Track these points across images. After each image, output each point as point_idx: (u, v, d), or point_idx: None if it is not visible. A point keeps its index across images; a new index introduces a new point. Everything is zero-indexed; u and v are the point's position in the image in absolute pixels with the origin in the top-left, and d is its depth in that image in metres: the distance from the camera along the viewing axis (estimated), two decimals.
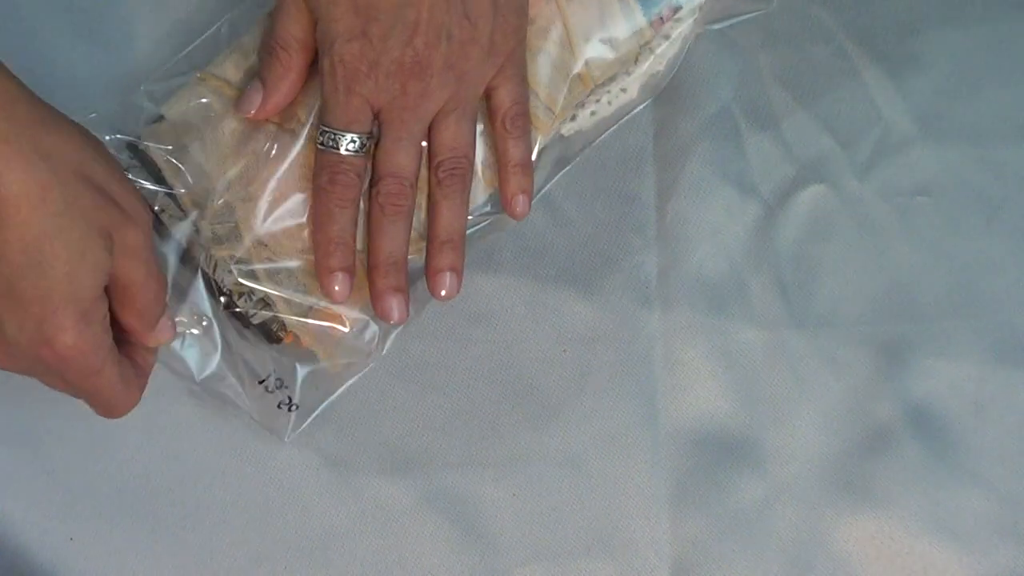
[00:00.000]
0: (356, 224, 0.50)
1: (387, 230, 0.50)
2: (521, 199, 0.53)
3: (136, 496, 0.53)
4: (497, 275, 0.56)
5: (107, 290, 0.45)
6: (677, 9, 0.55)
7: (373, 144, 0.50)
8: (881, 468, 0.55)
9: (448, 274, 0.51)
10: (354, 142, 0.49)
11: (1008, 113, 0.60)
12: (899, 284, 0.57)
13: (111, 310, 0.46)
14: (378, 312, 0.51)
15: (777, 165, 0.58)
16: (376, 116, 0.50)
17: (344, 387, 0.53)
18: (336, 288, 0.50)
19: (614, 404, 0.55)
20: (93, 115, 0.51)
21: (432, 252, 0.51)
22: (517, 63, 0.52)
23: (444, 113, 0.50)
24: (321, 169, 0.50)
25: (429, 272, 0.52)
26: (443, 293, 0.51)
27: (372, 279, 0.51)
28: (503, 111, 0.52)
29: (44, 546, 0.52)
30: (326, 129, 0.49)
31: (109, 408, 0.47)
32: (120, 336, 0.47)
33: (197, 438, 0.54)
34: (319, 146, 0.49)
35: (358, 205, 0.50)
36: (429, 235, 0.51)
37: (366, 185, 0.51)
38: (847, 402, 0.56)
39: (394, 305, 0.50)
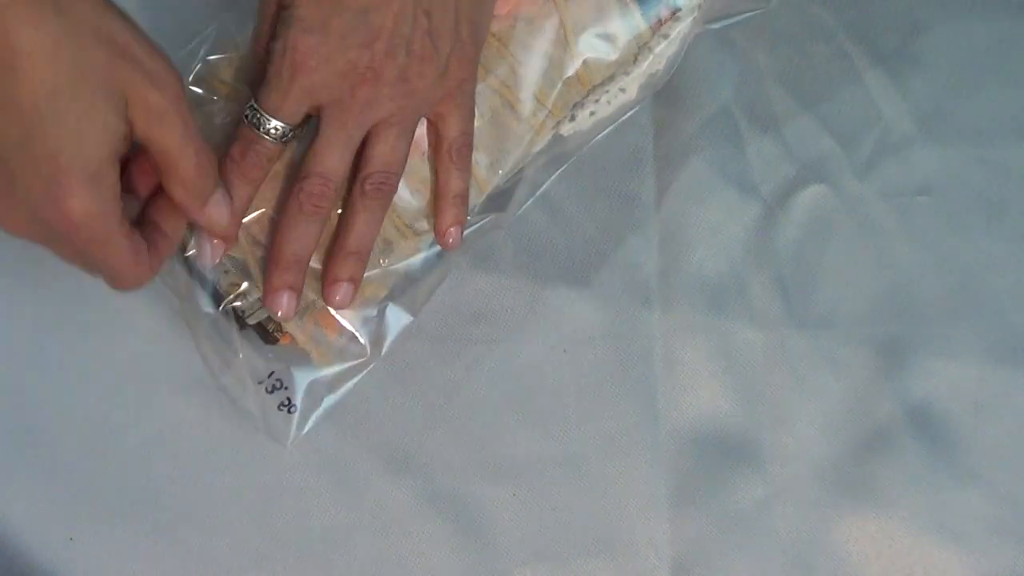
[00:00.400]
0: (250, 202, 0.50)
1: (300, 228, 0.49)
2: (454, 231, 0.52)
3: (136, 496, 0.53)
4: (497, 275, 0.56)
5: (145, 161, 0.45)
6: (676, 10, 0.55)
7: (303, 136, 0.50)
8: (881, 468, 0.55)
9: (346, 284, 0.51)
10: (277, 130, 0.48)
11: (1008, 113, 0.60)
12: (899, 284, 0.57)
13: (161, 183, 0.45)
14: (266, 302, 0.50)
15: (777, 165, 0.58)
16: (316, 112, 0.49)
17: (344, 389, 0.53)
18: (210, 252, 0.49)
19: (614, 404, 0.55)
20: None
21: (337, 261, 0.51)
22: (467, 95, 0.51)
23: (386, 125, 0.49)
24: (237, 140, 0.49)
25: (328, 279, 0.51)
26: (337, 300, 0.51)
27: (271, 271, 0.50)
28: (449, 141, 0.51)
29: (44, 546, 0.52)
30: (255, 108, 0.48)
31: (116, 279, 0.46)
32: (149, 218, 0.47)
33: (197, 438, 0.54)
34: (244, 117, 0.49)
35: (258, 186, 0.50)
36: (338, 243, 0.51)
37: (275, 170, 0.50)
38: (847, 402, 0.56)
39: (285, 302, 0.50)
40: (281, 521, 0.53)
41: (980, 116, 0.60)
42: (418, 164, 0.52)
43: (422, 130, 0.52)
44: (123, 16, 0.43)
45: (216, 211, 0.47)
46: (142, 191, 0.47)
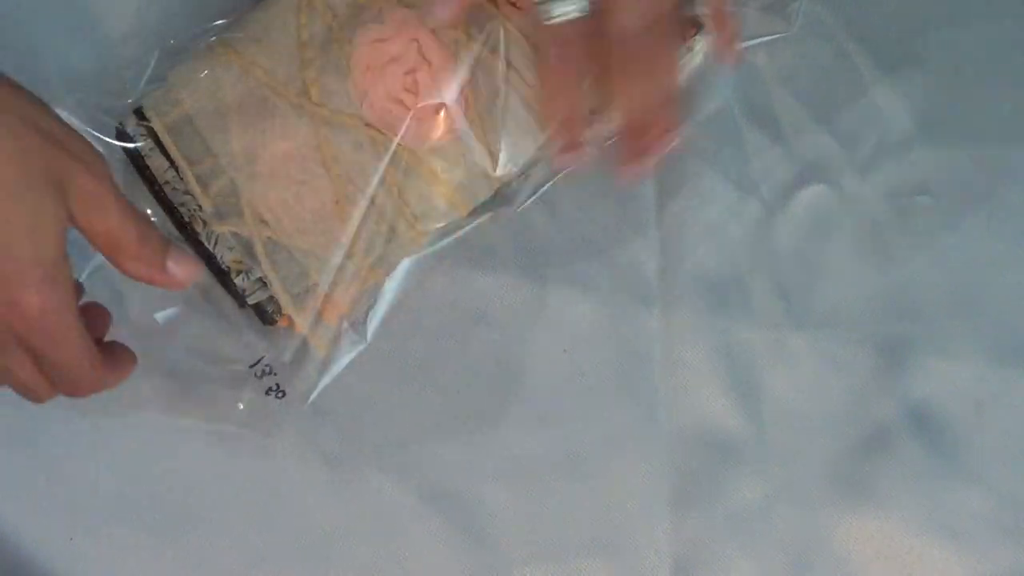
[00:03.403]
0: (585, 95, 0.50)
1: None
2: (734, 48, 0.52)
3: (136, 496, 0.53)
4: (497, 275, 0.56)
5: (92, 249, 0.44)
6: (699, 28, 0.55)
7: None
8: (881, 468, 0.55)
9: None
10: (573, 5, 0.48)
11: (1008, 113, 0.60)
12: (899, 284, 0.57)
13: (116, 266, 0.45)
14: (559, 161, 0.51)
15: (777, 165, 0.58)
16: None
17: (330, 377, 0.53)
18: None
19: (614, 404, 0.55)
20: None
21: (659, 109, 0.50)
22: None
23: None
24: (544, 40, 0.49)
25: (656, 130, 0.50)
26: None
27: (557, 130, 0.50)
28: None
29: (44, 546, 0.52)
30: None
31: (72, 382, 0.45)
32: (104, 347, 0.46)
33: (197, 438, 0.54)
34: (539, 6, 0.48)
35: (584, 76, 0.49)
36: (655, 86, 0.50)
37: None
38: (847, 402, 0.56)
39: (580, 157, 0.50)
40: (281, 521, 0.53)
41: (980, 116, 0.60)
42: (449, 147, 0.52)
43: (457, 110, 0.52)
44: (41, 101, 0.43)
45: (178, 270, 0.46)
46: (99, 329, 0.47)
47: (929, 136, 0.59)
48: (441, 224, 0.53)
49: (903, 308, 0.57)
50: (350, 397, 0.54)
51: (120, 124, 0.52)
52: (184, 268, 0.46)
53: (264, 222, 0.51)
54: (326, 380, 0.53)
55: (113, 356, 0.47)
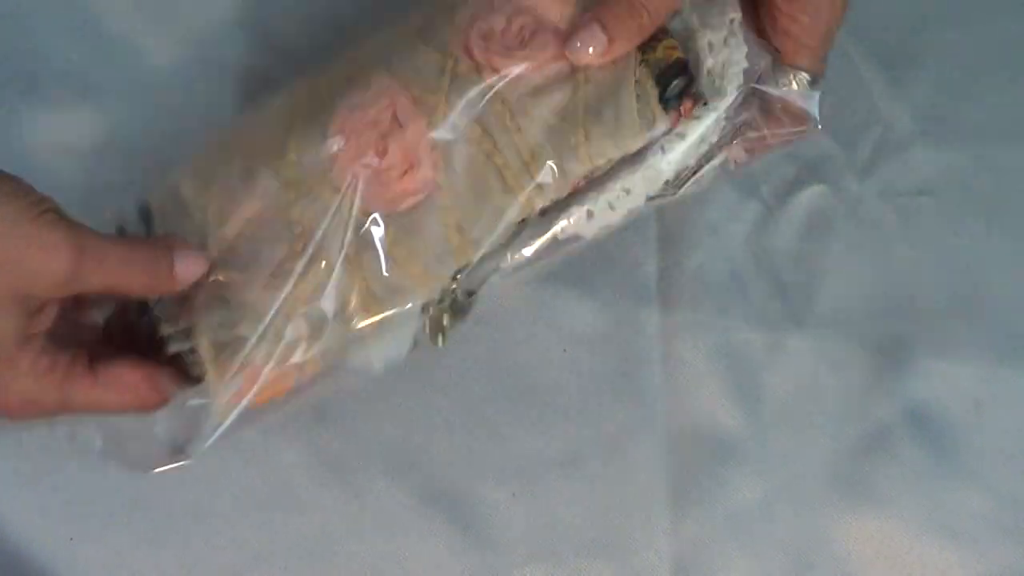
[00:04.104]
0: None
1: None
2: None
3: (136, 496, 0.53)
4: (497, 275, 0.56)
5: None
6: (701, 101, 0.49)
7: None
8: (881, 468, 0.55)
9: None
10: None
11: (1008, 113, 0.60)
12: (899, 284, 0.57)
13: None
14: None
15: (777, 165, 0.58)
16: None
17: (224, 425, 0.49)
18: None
19: (614, 404, 0.55)
20: None
21: None
22: None
23: None
24: None
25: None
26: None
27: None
28: None
29: (44, 546, 0.52)
30: None
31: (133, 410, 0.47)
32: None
33: None
34: None
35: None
36: None
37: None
38: (847, 402, 0.56)
39: None
40: (281, 521, 0.53)
41: (980, 116, 0.60)
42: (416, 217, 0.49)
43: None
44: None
45: (185, 270, 0.46)
46: None
47: (929, 136, 0.59)
48: (380, 315, 0.48)
49: (903, 308, 0.57)
50: (350, 398, 0.54)
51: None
52: (189, 266, 0.47)
53: (218, 279, 0.48)
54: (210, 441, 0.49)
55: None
